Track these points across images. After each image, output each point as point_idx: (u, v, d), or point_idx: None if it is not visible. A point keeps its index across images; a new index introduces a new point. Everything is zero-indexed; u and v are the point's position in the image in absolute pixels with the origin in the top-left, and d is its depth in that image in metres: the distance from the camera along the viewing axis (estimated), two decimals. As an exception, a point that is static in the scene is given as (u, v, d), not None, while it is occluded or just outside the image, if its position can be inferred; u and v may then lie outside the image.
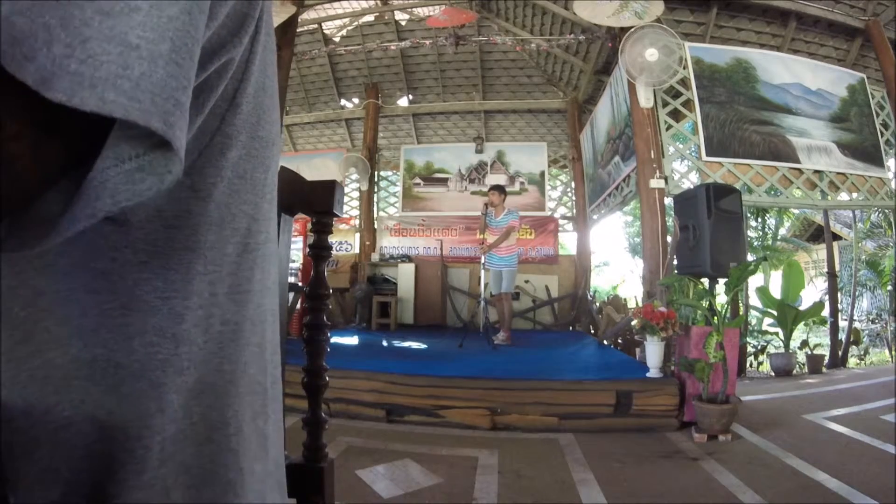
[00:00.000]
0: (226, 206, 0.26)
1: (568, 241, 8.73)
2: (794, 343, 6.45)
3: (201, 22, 0.20)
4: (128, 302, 0.23)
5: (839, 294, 7.81)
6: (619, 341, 5.25)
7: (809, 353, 6.18)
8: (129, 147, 0.18)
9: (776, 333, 6.64)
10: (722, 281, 3.38)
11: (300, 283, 5.33)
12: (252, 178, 0.27)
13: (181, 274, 0.24)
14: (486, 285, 4.78)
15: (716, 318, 3.17)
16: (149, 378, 0.24)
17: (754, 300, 7.14)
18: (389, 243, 7.83)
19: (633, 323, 4.02)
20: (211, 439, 0.27)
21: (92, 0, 0.16)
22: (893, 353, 7.59)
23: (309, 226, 0.70)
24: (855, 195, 4.92)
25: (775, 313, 6.41)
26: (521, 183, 7.85)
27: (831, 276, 7.32)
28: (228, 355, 0.28)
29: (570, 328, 6.99)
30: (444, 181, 8.01)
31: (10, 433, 0.22)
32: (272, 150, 0.29)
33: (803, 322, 6.40)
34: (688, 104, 4.62)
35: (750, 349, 6.95)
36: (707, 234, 3.32)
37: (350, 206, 8.10)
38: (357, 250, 7.72)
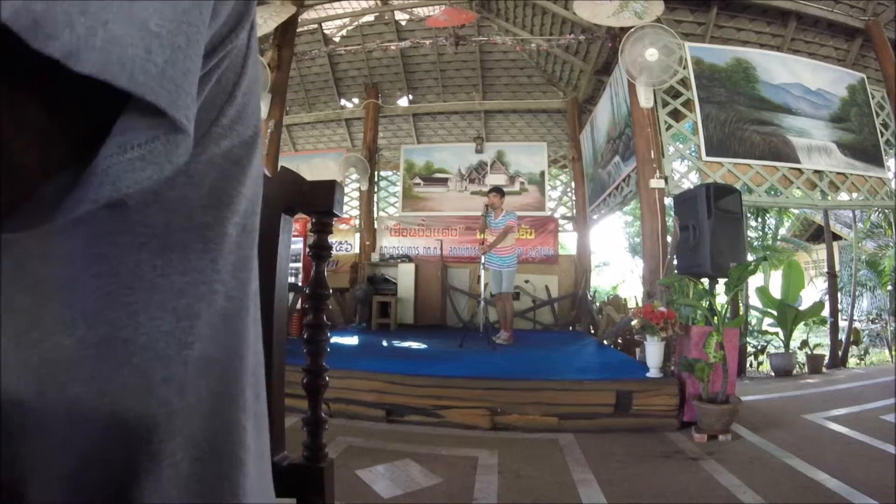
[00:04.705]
0: (221, 189, 0.27)
1: (568, 241, 8.74)
2: (794, 343, 6.45)
3: (207, 18, 0.21)
4: (129, 282, 0.24)
5: (839, 294, 7.81)
6: (619, 341, 5.25)
7: (809, 353, 6.18)
8: (131, 137, 0.19)
9: (776, 333, 6.64)
10: (722, 281, 3.38)
11: (300, 283, 5.33)
12: (242, 163, 0.28)
13: (178, 252, 0.25)
14: (486, 285, 4.78)
15: (716, 318, 3.17)
16: (153, 349, 0.25)
17: (754, 300, 7.14)
18: (389, 243, 7.83)
19: (633, 323, 4.02)
20: (217, 413, 0.28)
21: None
22: (893, 353, 7.59)
23: (309, 226, 0.70)
24: (855, 195, 4.92)
25: (775, 313, 6.41)
26: (521, 183, 7.85)
27: (831, 276, 7.32)
28: (235, 331, 0.29)
29: (570, 328, 6.99)
30: (444, 181, 8.01)
31: (22, 416, 0.22)
32: (258, 136, 0.30)
33: (803, 322, 6.40)
34: (688, 104, 4.62)
35: (750, 349, 6.95)
36: (707, 234, 3.32)
37: (350, 206, 8.10)
38: (357, 250, 7.72)
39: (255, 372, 0.31)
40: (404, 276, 6.98)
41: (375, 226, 7.84)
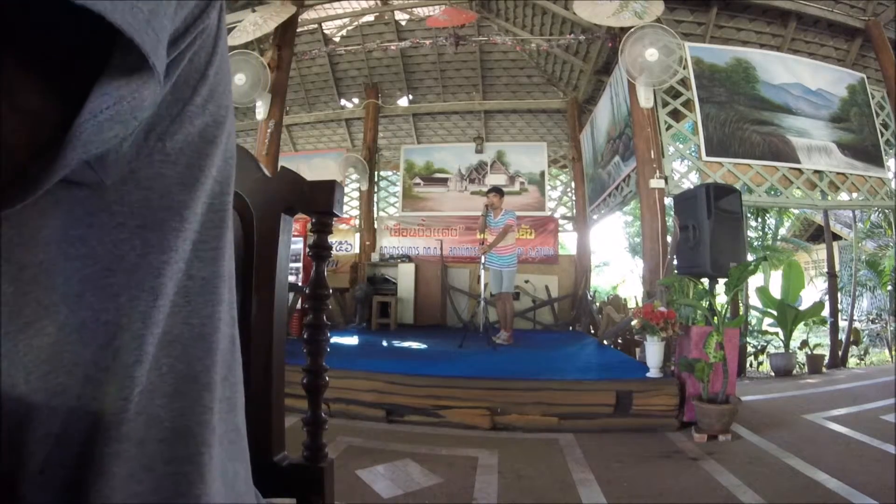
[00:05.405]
0: (197, 168, 0.27)
1: (568, 241, 8.74)
2: (794, 343, 6.45)
3: None
4: (109, 263, 0.24)
5: (839, 294, 7.80)
6: (619, 341, 5.25)
7: (809, 353, 6.18)
8: (102, 102, 0.20)
9: (776, 333, 6.64)
10: (722, 281, 3.38)
11: (300, 283, 5.33)
12: (216, 142, 0.29)
13: (156, 232, 0.26)
14: (486, 285, 4.78)
15: (716, 318, 3.17)
16: (131, 330, 0.25)
17: (754, 300, 7.14)
18: (389, 243, 7.83)
19: (633, 323, 4.01)
20: (180, 392, 0.28)
21: None
22: (893, 353, 7.59)
23: (309, 226, 0.70)
24: (855, 195, 4.92)
25: (775, 313, 6.41)
26: (521, 183, 7.85)
27: (831, 276, 7.32)
28: (197, 310, 0.29)
29: (570, 328, 6.99)
30: (444, 181, 8.01)
31: (11, 408, 0.22)
32: (230, 114, 0.31)
33: (803, 322, 6.40)
34: (688, 104, 4.62)
35: (750, 349, 6.95)
36: (707, 234, 3.32)
37: (350, 206, 8.11)
38: (357, 250, 7.72)
39: (225, 356, 0.31)
40: (404, 276, 6.98)
41: (375, 226, 7.84)
